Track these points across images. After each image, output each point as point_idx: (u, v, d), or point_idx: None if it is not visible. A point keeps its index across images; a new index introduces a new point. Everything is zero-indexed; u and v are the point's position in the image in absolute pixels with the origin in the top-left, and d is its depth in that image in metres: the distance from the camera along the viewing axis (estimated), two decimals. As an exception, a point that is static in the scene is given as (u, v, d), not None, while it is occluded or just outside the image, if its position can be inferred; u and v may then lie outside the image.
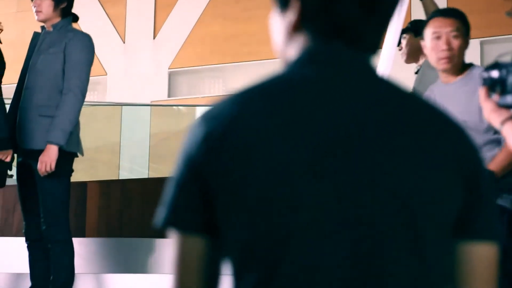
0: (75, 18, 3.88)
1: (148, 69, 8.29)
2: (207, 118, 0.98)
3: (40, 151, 3.63)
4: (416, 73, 4.21)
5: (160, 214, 0.96)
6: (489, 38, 7.19)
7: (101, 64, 8.68)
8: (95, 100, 8.68)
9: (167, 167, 8.09)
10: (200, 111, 8.21)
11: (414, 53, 4.17)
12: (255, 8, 8.08)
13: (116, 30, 8.72)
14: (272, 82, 0.97)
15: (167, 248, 4.52)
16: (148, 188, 4.85)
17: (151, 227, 3.80)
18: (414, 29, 4.16)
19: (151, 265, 4.57)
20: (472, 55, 6.59)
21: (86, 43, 3.75)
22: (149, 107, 8.21)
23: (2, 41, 3.90)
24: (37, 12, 3.80)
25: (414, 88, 4.05)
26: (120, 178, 7.86)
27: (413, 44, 4.10)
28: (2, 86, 3.81)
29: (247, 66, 8.11)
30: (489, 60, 7.26)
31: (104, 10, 8.82)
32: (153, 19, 8.54)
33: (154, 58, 8.46)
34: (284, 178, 0.91)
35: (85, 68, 3.71)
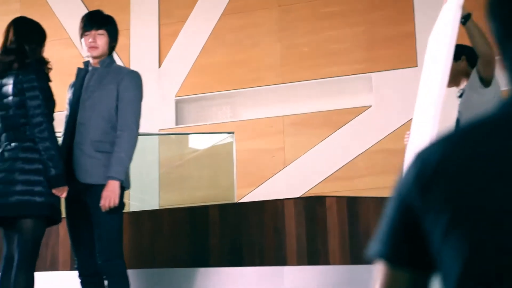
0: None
1: (154, 98, 8.27)
2: (419, 158, 1.04)
3: (96, 186, 3.62)
4: (459, 96, 4.22)
5: (374, 246, 1.03)
6: None
7: (106, 95, 8.66)
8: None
9: (178, 196, 8.06)
10: (208, 138, 8.19)
11: (455, 77, 4.17)
12: (260, 34, 8.10)
13: (121, 60, 8.71)
14: (485, 120, 1.02)
15: (198, 277, 4.48)
16: (179, 217, 4.82)
17: (181, 257, 3.76)
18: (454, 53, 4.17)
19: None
20: None
21: (139, 81, 3.81)
22: (157, 136, 8.19)
23: None
24: (93, 48, 3.81)
25: (459, 112, 4.06)
26: (131, 209, 7.82)
27: (454, 68, 4.11)
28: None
29: (254, 92, 8.12)
30: None
31: (108, 41, 8.81)
32: (158, 48, 8.54)
33: (160, 87, 8.44)
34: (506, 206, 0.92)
35: (138, 105, 3.76)
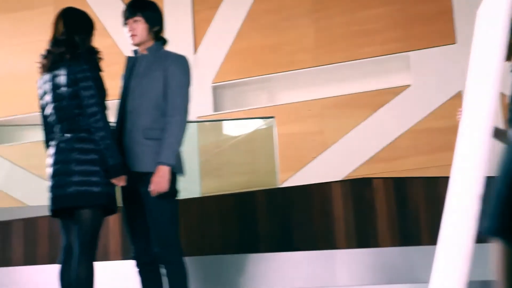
0: (165, 42, 3.90)
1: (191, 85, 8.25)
2: None
3: (148, 174, 3.60)
4: (512, 71, 4.13)
5: (484, 223, 0.98)
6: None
7: (143, 84, 8.66)
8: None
9: (219, 183, 8.05)
10: (245, 124, 8.16)
11: (508, 51, 4.08)
12: (295, 17, 8.03)
13: (156, 48, 8.71)
14: None
15: (249, 263, 4.46)
16: (226, 204, 4.80)
17: (231, 243, 3.73)
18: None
19: (236, 281, 4.52)
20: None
21: (186, 66, 3.78)
22: (195, 123, 8.17)
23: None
24: (132, 36, 3.80)
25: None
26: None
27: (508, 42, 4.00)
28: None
29: (291, 76, 8.06)
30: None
31: (142, 29, 8.80)
32: (192, 34, 8.51)
33: (196, 74, 8.42)
34: None
35: (187, 90, 3.73)
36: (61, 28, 3.77)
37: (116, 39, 8.89)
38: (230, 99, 8.44)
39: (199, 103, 8.31)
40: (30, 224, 5.21)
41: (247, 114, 8.03)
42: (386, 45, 7.65)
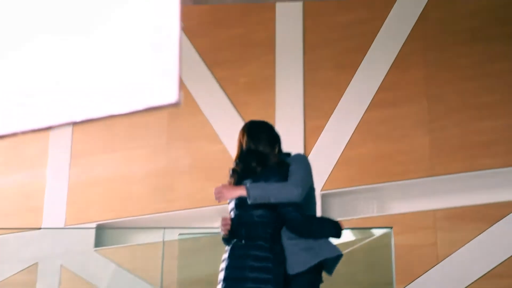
0: (289, 155, 3.91)
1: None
2: None
3: (297, 275, 3.65)
4: None
5: None
6: None
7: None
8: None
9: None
10: (356, 234, 7.95)
11: None
12: (407, 127, 7.92)
13: (266, 155, 8.73)
14: None
15: None
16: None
17: None
18: None
19: None
20: None
21: (306, 160, 3.78)
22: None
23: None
24: None
25: None
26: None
27: None
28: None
29: (402, 186, 7.88)
30: None
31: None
32: (303, 142, 8.50)
33: (306, 181, 8.36)
34: None
35: (307, 171, 3.71)
36: (247, 141, 3.83)
37: (227, 144, 8.98)
38: (338, 207, 8.30)
39: (308, 210, 8.20)
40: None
41: (357, 223, 7.84)
42: (504, 157, 7.40)
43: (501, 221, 7.23)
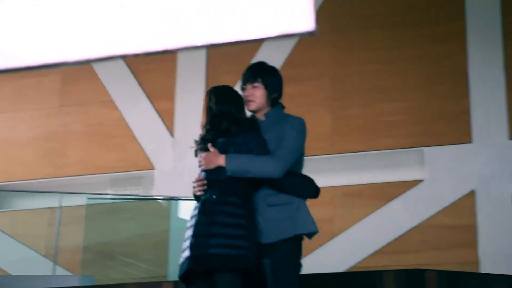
0: (283, 107, 3.82)
1: (189, 165, 8.20)
2: None
3: (273, 245, 3.56)
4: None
5: None
6: None
7: (148, 159, 8.56)
8: (142, 194, 8.50)
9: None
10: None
11: None
12: (310, 104, 8.03)
13: (165, 124, 8.65)
14: None
15: None
16: None
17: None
18: None
19: None
20: None
21: (303, 128, 3.71)
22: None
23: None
24: (249, 101, 3.71)
25: None
26: (168, 276, 7.57)
27: None
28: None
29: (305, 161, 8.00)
30: None
31: (153, 105, 8.77)
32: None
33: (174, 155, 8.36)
34: None
35: (297, 148, 3.64)
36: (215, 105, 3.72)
37: (123, 112, 8.83)
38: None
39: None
40: None
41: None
42: (403, 139, 7.67)
43: (395, 200, 7.50)
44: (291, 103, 8.09)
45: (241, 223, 3.48)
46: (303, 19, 1.20)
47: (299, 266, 3.64)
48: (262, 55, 8.34)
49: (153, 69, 8.86)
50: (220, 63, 8.56)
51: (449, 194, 7.33)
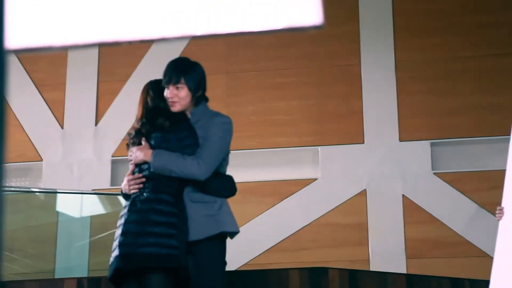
0: (207, 100, 3.75)
1: (89, 156, 7.98)
2: None
3: (199, 242, 3.51)
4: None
5: None
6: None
7: (36, 150, 8.26)
8: (29, 186, 8.18)
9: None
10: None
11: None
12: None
13: (54, 115, 8.36)
14: None
15: None
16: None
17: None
18: None
19: None
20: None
21: (229, 130, 3.65)
22: (92, 195, 7.83)
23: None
24: (172, 102, 3.60)
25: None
26: (56, 272, 7.34)
27: None
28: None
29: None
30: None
31: (41, 94, 8.47)
32: (95, 105, 8.26)
33: (96, 146, 8.13)
34: None
35: (222, 148, 3.58)
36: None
37: (9, 100, 8.48)
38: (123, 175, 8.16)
39: (97, 175, 7.99)
40: None
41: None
42: (297, 137, 7.73)
43: (289, 198, 7.56)
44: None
45: (172, 222, 3.43)
46: (310, 12, 1.15)
47: (224, 263, 3.62)
48: (157, 49, 8.22)
49: (41, 58, 8.55)
50: (113, 54, 8.37)
51: (342, 193, 7.45)
